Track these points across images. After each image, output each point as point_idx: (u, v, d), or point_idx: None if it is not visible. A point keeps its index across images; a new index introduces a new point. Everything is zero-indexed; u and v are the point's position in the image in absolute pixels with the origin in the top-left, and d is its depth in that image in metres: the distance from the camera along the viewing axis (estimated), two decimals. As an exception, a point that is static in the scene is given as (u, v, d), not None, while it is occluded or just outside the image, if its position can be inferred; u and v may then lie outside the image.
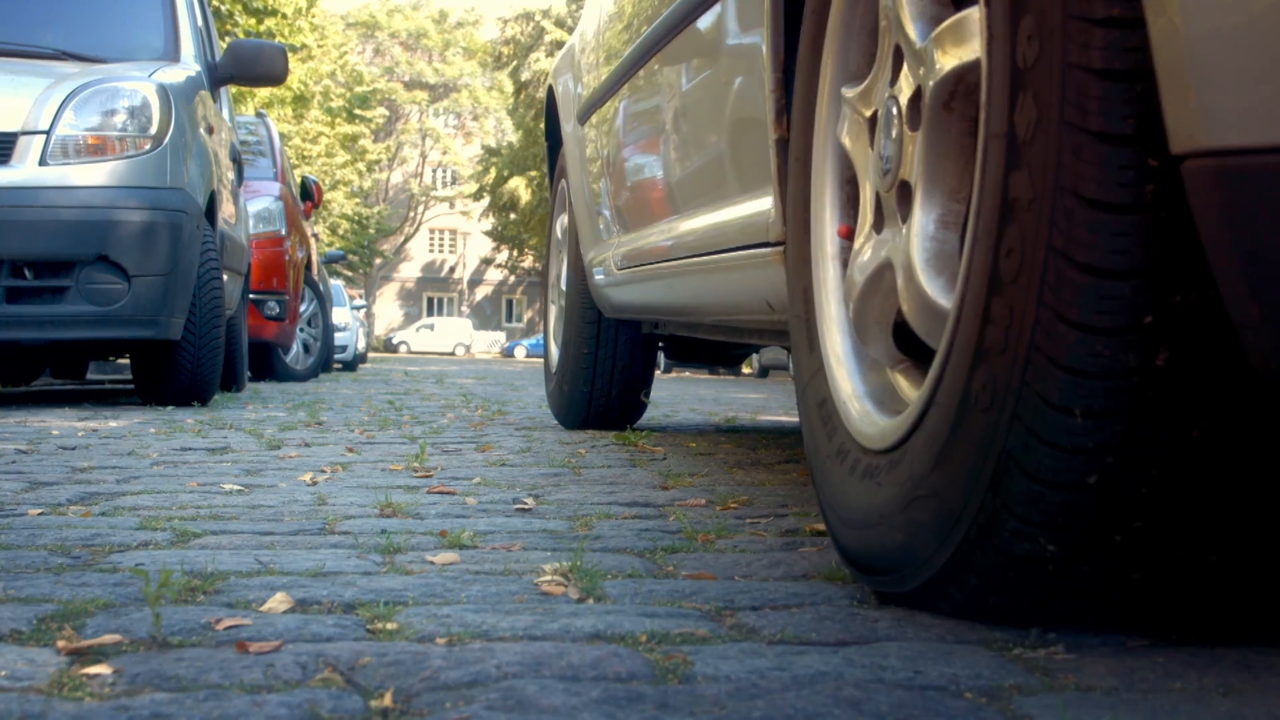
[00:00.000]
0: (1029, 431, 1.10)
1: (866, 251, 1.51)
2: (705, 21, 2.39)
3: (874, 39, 1.57)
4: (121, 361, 8.84)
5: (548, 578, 1.49)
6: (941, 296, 1.31)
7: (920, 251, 1.34)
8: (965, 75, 1.28)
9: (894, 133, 1.42)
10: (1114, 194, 1.03)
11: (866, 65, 1.59)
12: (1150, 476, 1.09)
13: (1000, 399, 1.12)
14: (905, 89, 1.40)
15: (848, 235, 1.62)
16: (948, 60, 1.29)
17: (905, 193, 1.40)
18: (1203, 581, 1.18)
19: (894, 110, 1.43)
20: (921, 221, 1.34)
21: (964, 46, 1.27)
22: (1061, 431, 1.08)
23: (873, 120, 1.52)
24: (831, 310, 1.61)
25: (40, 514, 2.01)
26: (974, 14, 1.25)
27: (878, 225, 1.49)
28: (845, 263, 1.61)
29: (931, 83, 1.32)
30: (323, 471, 2.77)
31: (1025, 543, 1.15)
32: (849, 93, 1.59)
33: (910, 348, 1.48)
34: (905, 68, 1.41)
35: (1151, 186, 1.02)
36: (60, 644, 1.14)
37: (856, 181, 1.61)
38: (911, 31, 1.38)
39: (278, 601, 1.34)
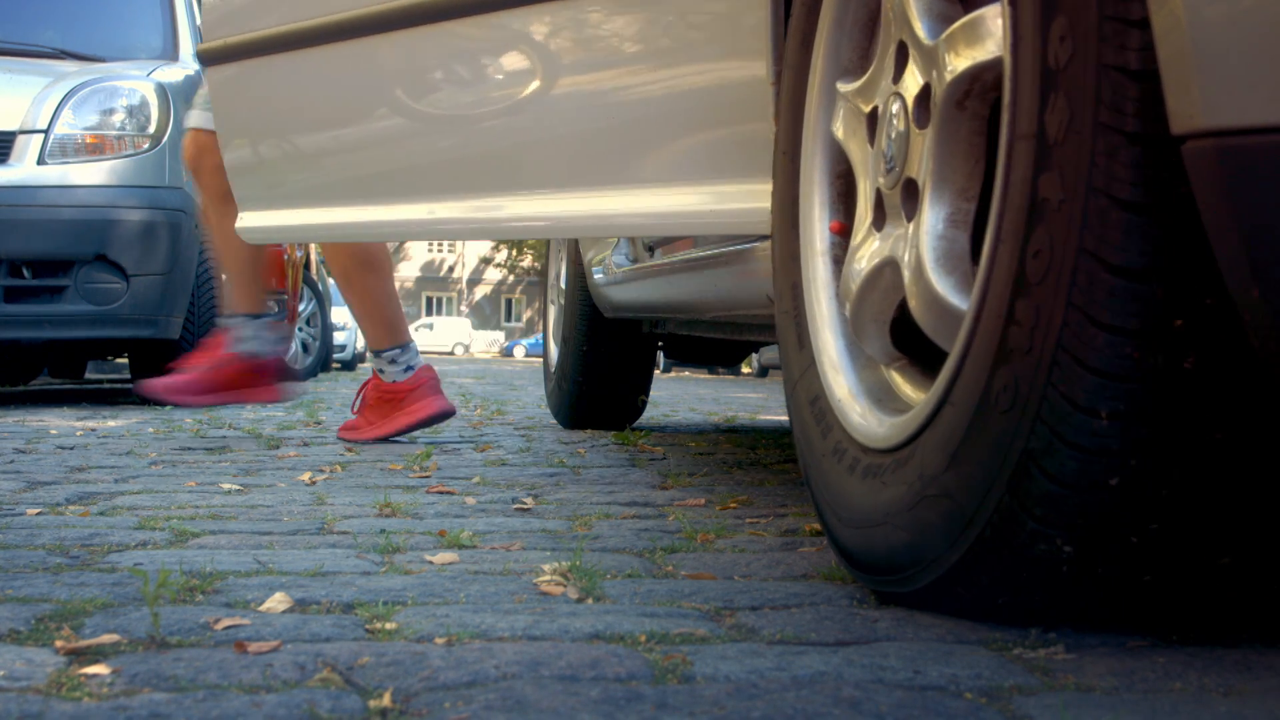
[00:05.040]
0: (1052, 433, 1.09)
1: (866, 248, 1.50)
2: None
3: (867, 34, 1.56)
4: (120, 361, 8.84)
5: (547, 577, 1.49)
6: (952, 295, 1.30)
7: (930, 250, 1.32)
8: (980, 75, 1.27)
9: (899, 130, 1.41)
10: (1148, 196, 1.02)
11: (859, 59, 1.57)
12: (1172, 479, 1.09)
13: (1023, 400, 1.11)
14: (912, 86, 1.39)
15: (840, 231, 1.60)
16: (961, 60, 1.28)
17: (911, 190, 1.39)
18: (1212, 583, 1.18)
19: (898, 108, 1.41)
20: (931, 220, 1.33)
21: (978, 46, 1.25)
22: (1086, 433, 1.08)
23: (872, 116, 1.51)
24: (823, 306, 1.59)
25: (38, 513, 2.01)
26: (989, 13, 1.24)
27: (878, 222, 1.48)
28: (836, 259, 1.60)
29: (944, 82, 1.30)
30: (321, 471, 2.76)
31: (1042, 544, 1.14)
32: (845, 87, 1.57)
33: (906, 345, 1.48)
34: (911, 65, 1.39)
35: (1185, 189, 1.02)
36: (58, 644, 1.14)
37: (847, 176, 1.59)
38: (920, 29, 1.37)
39: (276, 601, 1.33)
